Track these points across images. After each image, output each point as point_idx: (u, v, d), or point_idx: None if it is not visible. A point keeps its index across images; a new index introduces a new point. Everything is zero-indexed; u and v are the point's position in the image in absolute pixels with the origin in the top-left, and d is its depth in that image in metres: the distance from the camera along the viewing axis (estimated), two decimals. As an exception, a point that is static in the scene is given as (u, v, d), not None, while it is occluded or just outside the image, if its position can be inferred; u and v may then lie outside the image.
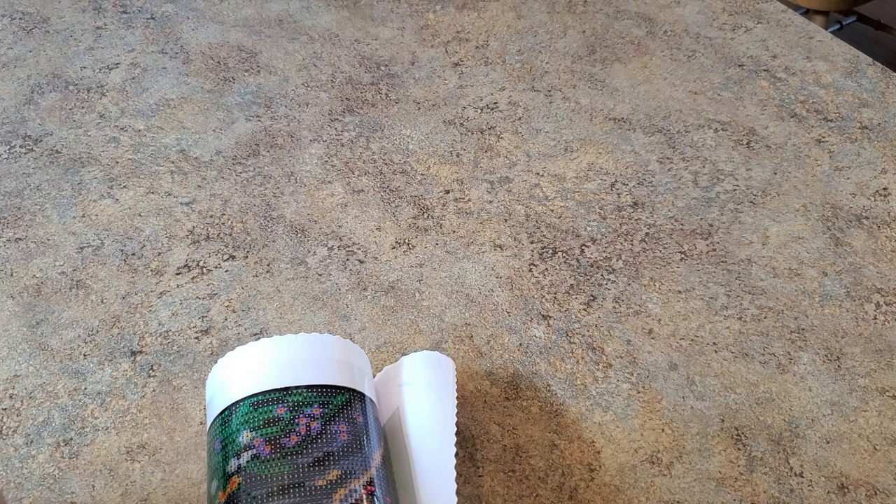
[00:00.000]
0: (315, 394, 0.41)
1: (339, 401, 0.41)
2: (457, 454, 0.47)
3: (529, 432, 0.48)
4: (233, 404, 0.40)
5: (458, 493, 0.46)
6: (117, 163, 0.65)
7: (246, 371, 0.41)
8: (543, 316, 0.55)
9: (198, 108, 0.69)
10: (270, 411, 0.40)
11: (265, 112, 0.69)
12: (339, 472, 0.38)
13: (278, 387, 0.40)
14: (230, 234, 0.59)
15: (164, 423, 0.49)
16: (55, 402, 0.50)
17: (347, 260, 0.58)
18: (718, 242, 0.59)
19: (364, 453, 0.40)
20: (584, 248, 0.59)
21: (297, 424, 0.39)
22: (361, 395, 0.42)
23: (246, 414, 0.40)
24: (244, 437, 0.39)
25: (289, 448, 0.39)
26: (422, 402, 0.44)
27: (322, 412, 0.40)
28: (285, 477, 0.37)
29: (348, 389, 0.42)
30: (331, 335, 0.43)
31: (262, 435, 0.39)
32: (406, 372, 0.46)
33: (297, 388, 0.41)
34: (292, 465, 0.38)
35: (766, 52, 0.75)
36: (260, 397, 0.40)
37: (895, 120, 0.68)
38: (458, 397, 0.50)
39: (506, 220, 0.61)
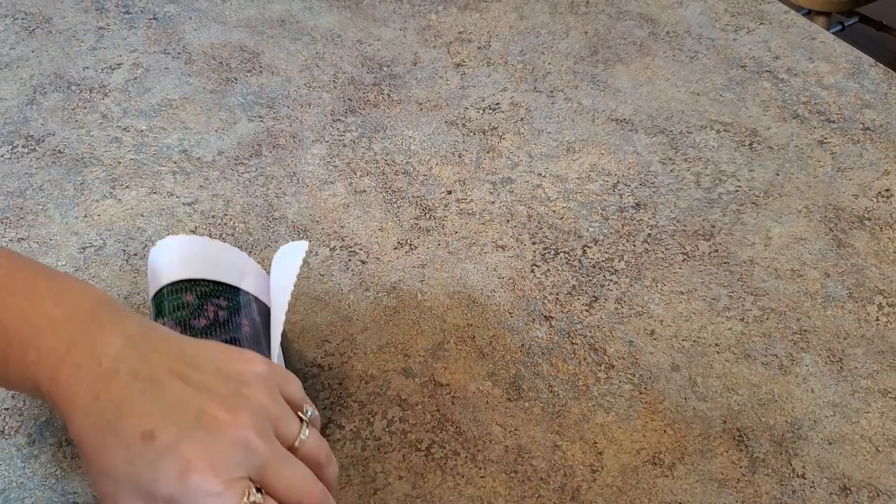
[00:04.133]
0: (221, 289, 0.44)
1: (242, 300, 0.45)
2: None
3: (531, 433, 0.48)
4: (156, 293, 0.44)
5: (458, 491, 0.46)
6: (119, 163, 0.65)
7: (166, 262, 0.45)
8: (545, 317, 0.55)
9: (200, 108, 0.69)
10: (180, 298, 0.44)
11: (267, 112, 0.69)
12: None
13: (189, 278, 0.44)
14: (232, 235, 0.59)
15: (166, 424, 0.49)
16: (57, 402, 0.50)
17: (349, 260, 0.58)
18: (721, 243, 0.59)
19: (262, 349, 0.44)
20: (586, 248, 0.59)
21: (206, 310, 0.43)
22: (258, 300, 0.46)
23: (161, 301, 0.44)
24: (161, 322, 0.43)
25: (198, 329, 0.43)
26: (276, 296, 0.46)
27: (227, 305, 0.44)
28: None
29: (248, 293, 0.46)
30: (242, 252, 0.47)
31: (173, 318, 0.43)
32: (276, 273, 0.48)
33: (204, 280, 0.44)
34: None
35: (769, 53, 0.75)
36: (175, 286, 0.44)
37: (897, 121, 0.68)
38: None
39: (508, 221, 0.61)
